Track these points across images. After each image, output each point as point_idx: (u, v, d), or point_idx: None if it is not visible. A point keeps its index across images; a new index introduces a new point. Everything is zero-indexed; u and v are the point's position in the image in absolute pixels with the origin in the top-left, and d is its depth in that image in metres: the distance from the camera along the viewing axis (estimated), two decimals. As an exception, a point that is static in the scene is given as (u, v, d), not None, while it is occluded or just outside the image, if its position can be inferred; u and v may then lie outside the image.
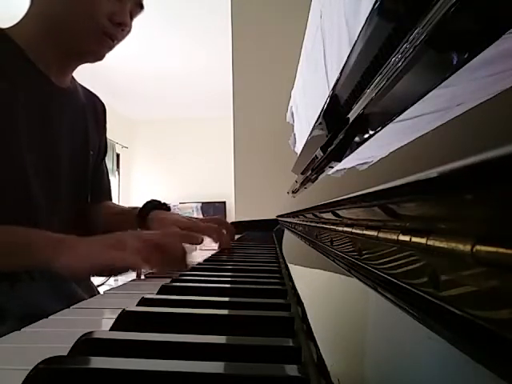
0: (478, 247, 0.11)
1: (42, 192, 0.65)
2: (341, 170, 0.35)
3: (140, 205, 0.82)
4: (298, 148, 1.03)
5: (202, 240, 0.70)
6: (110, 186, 0.95)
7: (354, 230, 0.26)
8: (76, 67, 0.74)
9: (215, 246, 0.85)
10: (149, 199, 0.84)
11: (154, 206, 0.81)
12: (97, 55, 0.69)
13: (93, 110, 0.83)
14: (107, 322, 0.28)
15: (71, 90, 0.75)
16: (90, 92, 0.86)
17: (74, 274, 0.54)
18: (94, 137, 0.81)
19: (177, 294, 0.38)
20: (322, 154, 0.60)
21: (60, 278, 0.67)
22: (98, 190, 0.87)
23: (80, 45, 0.67)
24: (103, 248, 0.52)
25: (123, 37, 0.70)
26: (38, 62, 0.66)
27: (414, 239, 0.15)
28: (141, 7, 0.72)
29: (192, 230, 0.73)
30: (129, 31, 0.70)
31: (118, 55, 3.74)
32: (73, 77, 0.77)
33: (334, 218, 0.33)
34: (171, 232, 0.66)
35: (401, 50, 0.26)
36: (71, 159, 0.72)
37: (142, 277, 0.58)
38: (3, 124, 0.60)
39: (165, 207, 0.84)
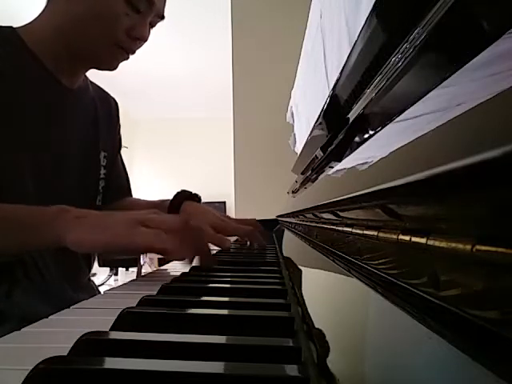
0: (478, 247, 0.11)
1: (40, 192, 0.63)
2: (341, 170, 0.35)
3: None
4: (298, 148, 1.03)
5: (230, 246, 0.68)
6: (128, 182, 0.92)
7: (353, 230, 0.26)
8: (88, 70, 0.73)
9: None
10: (179, 190, 0.82)
11: (185, 196, 0.80)
12: (109, 65, 0.69)
13: (105, 109, 0.81)
14: (107, 321, 0.28)
15: (81, 91, 0.74)
16: (103, 90, 0.84)
17: (85, 248, 0.47)
18: (106, 137, 0.79)
19: (177, 294, 0.38)
20: (321, 154, 0.60)
21: (58, 284, 0.66)
22: (114, 187, 0.84)
23: (93, 54, 0.66)
24: (123, 225, 0.45)
25: (139, 47, 0.69)
26: (48, 62, 0.65)
27: (414, 239, 0.15)
28: (162, 18, 0.70)
29: (223, 232, 0.73)
30: (146, 41, 0.68)
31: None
32: (86, 76, 0.76)
33: (334, 217, 0.33)
34: (200, 227, 0.60)
35: (401, 50, 0.26)
36: (80, 160, 0.71)
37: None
38: (5, 122, 0.58)
39: (196, 199, 0.82)
